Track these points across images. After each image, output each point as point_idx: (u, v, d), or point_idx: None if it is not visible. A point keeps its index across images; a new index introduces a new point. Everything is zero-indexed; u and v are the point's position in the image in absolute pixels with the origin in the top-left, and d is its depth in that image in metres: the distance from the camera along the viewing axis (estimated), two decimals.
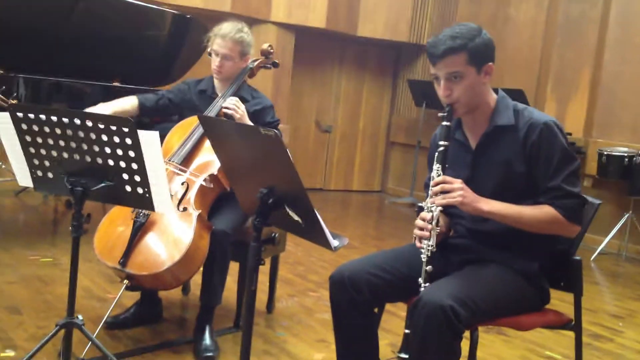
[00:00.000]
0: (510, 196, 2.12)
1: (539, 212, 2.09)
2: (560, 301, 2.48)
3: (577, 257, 2.24)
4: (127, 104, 3.19)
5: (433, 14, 8.21)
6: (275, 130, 1.87)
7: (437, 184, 2.10)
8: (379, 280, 2.17)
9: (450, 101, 2.14)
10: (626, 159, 5.71)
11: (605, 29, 6.42)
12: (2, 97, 3.26)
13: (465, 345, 2.11)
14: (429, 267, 2.09)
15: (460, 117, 2.25)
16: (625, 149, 5.85)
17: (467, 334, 2.15)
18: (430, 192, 2.13)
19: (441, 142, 2.16)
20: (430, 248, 2.10)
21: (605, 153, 5.85)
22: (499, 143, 2.16)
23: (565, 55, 6.75)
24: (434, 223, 2.10)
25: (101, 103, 3.09)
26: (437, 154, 2.17)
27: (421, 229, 2.12)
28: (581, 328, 2.24)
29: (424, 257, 2.10)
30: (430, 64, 2.19)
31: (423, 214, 2.14)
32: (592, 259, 5.72)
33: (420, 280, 2.09)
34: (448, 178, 2.10)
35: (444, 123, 2.17)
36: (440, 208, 2.11)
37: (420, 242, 2.12)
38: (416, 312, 1.95)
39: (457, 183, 2.08)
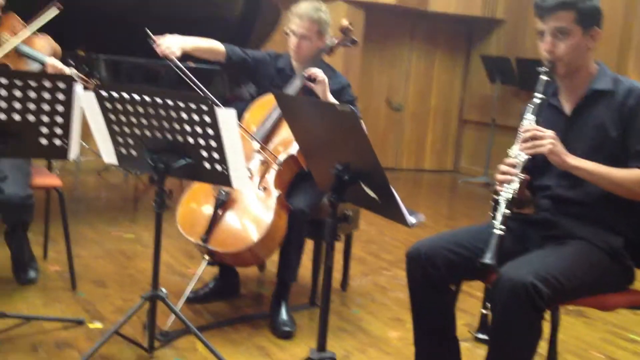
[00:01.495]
0: (602, 161, 2.06)
1: (628, 174, 2.03)
2: None
3: None
4: (216, 47, 3.17)
5: None
6: (351, 107, 1.87)
7: (527, 131, 2.06)
8: (456, 256, 2.14)
9: (553, 58, 2.12)
10: None
11: None
12: (84, 77, 3.37)
13: (545, 327, 2.07)
14: (507, 211, 2.00)
15: (558, 84, 2.22)
16: None
17: (547, 315, 2.11)
18: (519, 140, 2.08)
19: (537, 95, 2.13)
20: (511, 192, 2.03)
21: None
22: (595, 107, 2.13)
23: None
24: (520, 168, 2.05)
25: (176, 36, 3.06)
26: (531, 106, 2.13)
27: (504, 173, 2.07)
28: None
29: (501, 200, 2.02)
30: (536, 18, 2.15)
31: (509, 160, 2.08)
32: None
33: (496, 222, 1.99)
34: (540, 128, 2.07)
35: (544, 77, 2.13)
36: (527, 156, 2.06)
37: (502, 186, 2.05)
38: (497, 289, 1.92)
39: (550, 132, 2.05)
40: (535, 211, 2.27)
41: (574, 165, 2.04)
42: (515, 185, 2.04)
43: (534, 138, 2.04)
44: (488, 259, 1.93)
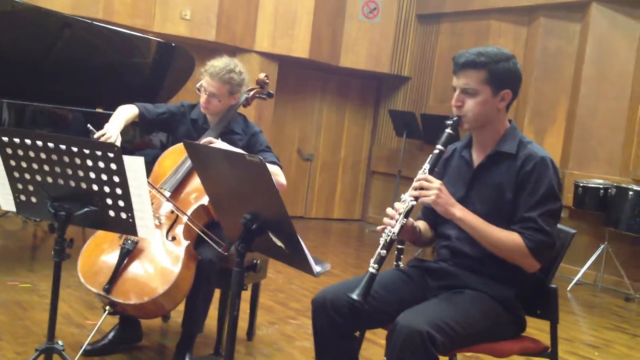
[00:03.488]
0: (499, 221, 2.16)
1: (505, 236, 2.13)
2: (537, 330, 2.53)
3: (553, 286, 2.28)
4: (130, 114, 3.17)
5: (414, 46, 8.38)
6: (260, 157, 1.90)
7: (418, 180, 2.15)
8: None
9: (459, 113, 2.21)
10: (602, 191, 5.82)
11: (581, 65, 6.59)
12: None
13: None
14: (383, 252, 2.09)
15: (472, 137, 2.31)
16: (601, 181, 5.97)
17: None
18: (411, 187, 2.16)
19: (438, 146, 2.20)
20: (390, 235, 2.11)
21: (582, 185, 5.97)
22: (497, 168, 2.22)
23: (542, 88, 6.91)
24: (403, 213, 2.12)
25: (109, 121, 3.07)
26: (431, 156, 2.21)
27: (390, 217, 2.15)
28: (557, 356, 2.28)
29: (381, 241, 2.11)
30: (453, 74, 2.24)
31: (396, 204, 2.17)
32: (568, 289, 5.79)
33: (372, 260, 2.08)
34: (430, 177, 2.16)
35: (448, 130, 2.21)
36: (413, 202, 2.13)
37: (384, 229, 2.14)
38: (393, 336, 1.98)
39: (437, 183, 2.14)
40: (435, 259, 2.37)
41: (458, 216, 2.14)
42: (397, 228, 2.12)
43: (421, 187, 2.14)
44: (355, 294, 2.01)
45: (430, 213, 2.38)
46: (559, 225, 2.37)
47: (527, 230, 2.11)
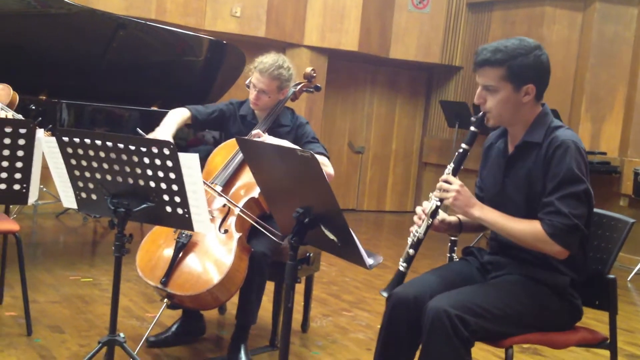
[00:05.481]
0: (536, 212, 2.12)
1: (525, 226, 2.09)
2: (596, 321, 2.48)
3: (611, 276, 2.23)
4: (181, 118, 3.23)
5: (465, 35, 8.25)
6: (311, 152, 1.92)
7: (441, 181, 2.19)
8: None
9: (483, 110, 2.20)
10: None
11: (639, 48, 6.38)
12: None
13: None
14: (411, 251, 2.20)
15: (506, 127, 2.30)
16: None
17: (501, 352, 2.16)
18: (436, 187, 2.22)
19: (463, 145, 2.22)
20: (417, 235, 2.21)
21: None
22: (527, 158, 2.19)
23: (599, 75, 6.71)
24: (428, 213, 2.20)
25: (159, 126, 3.14)
26: (456, 154, 2.23)
27: (419, 217, 2.23)
28: (616, 347, 2.23)
29: (409, 240, 2.22)
30: None
31: (424, 203, 2.24)
32: (628, 279, 5.63)
33: (401, 259, 2.20)
34: (451, 178, 2.18)
35: (472, 128, 2.22)
36: (437, 202, 2.20)
37: (413, 228, 2.23)
38: (423, 319, 1.99)
39: (456, 185, 2.16)
40: (489, 251, 2.35)
41: (477, 216, 2.16)
42: (423, 229, 2.20)
43: (440, 189, 2.17)
44: (384, 291, 2.16)
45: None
46: (615, 214, 2.32)
47: (546, 216, 2.06)
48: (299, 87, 3.40)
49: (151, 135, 3.03)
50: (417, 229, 2.21)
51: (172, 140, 3.04)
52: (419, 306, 2.11)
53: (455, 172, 2.21)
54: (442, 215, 2.30)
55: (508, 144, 2.29)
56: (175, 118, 3.22)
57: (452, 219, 2.36)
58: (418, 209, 2.24)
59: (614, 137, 6.52)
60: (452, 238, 2.64)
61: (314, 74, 3.46)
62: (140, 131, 3.02)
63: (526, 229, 2.09)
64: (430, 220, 2.21)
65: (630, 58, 6.45)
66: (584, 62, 6.90)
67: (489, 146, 2.38)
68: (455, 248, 2.63)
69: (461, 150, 2.22)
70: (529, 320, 2.10)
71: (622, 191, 6.26)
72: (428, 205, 2.21)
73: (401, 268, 2.17)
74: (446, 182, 2.18)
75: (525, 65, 2.11)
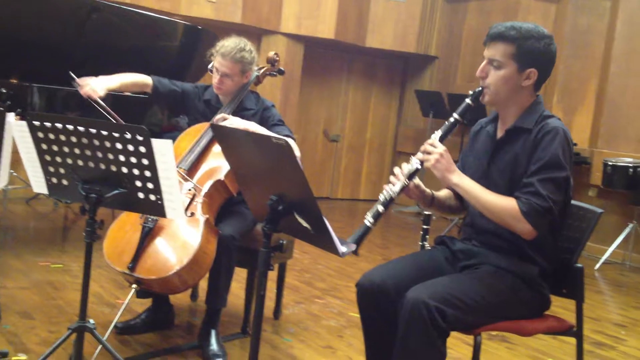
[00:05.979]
0: None
1: (500, 200, 2.12)
2: (563, 309, 2.53)
3: (579, 265, 2.28)
4: (142, 80, 3.24)
5: (441, 25, 8.29)
6: (286, 139, 1.92)
7: (426, 144, 2.19)
8: (407, 287, 2.18)
9: (482, 84, 2.21)
10: (631, 170, 5.75)
11: (611, 42, 6.47)
12: None
13: (468, 350, 2.15)
14: (380, 208, 2.16)
15: (497, 112, 2.32)
16: (630, 160, 5.88)
17: (470, 340, 2.20)
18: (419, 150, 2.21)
19: (455, 115, 2.22)
20: (390, 193, 2.18)
21: (610, 163, 5.89)
22: (515, 142, 2.22)
23: (571, 66, 6.80)
24: (406, 174, 2.19)
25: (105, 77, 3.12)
26: (446, 122, 2.24)
27: (395, 175, 2.21)
28: (582, 334, 2.28)
29: (381, 197, 2.18)
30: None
31: (403, 165, 2.22)
32: (596, 268, 5.75)
33: (369, 214, 2.16)
34: (437, 142, 2.18)
35: (467, 100, 2.23)
36: (418, 165, 2.18)
37: (387, 185, 2.21)
38: (402, 309, 2.01)
39: (440, 148, 2.16)
40: (461, 238, 2.38)
41: (454, 182, 2.17)
42: (397, 188, 2.18)
43: (424, 151, 2.17)
44: (349, 243, 2.07)
45: None
46: (584, 204, 2.36)
47: (523, 195, 2.09)
48: (262, 71, 3.41)
49: (87, 81, 2.99)
50: (391, 187, 2.19)
51: (102, 94, 3.03)
52: (386, 292, 2.16)
53: (441, 139, 2.21)
54: (418, 181, 2.30)
55: (498, 129, 2.31)
56: (128, 77, 3.21)
57: (427, 190, 2.37)
58: (396, 169, 2.23)
59: (584, 129, 6.62)
60: (424, 227, 2.67)
61: (277, 58, 3.49)
62: (73, 74, 2.98)
63: (501, 202, 2.12)
64: (407, 181, 2.19)
65: (603, 50, 6.54)
66: (558, 54, 6.92)
67: (478, 131, 2.41)
68: (427, 237, 2.66)
69: (452, 120, 2.23)
70: (502, 310, 2.14)
71: (591, 182, 6.38)
72: (407, 166, 2.20)
73: (367, 223, 2.14)
74: (431, 145, 2.18)
75: (535, 49, 2.15)
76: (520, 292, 2.17)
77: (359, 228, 2.14)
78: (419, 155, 2.19)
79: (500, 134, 2.29)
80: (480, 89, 2.22)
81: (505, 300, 2.13)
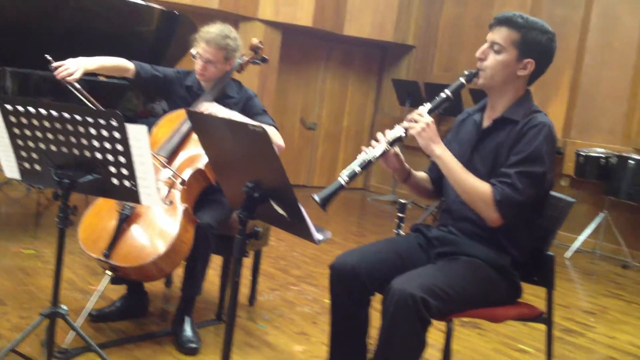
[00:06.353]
0: None
1: (478, 184, 2.15)
2: (534, 296, 2.57)
3: (550, 253, 2.32)
4: (124, 64, 3.16)
5: (418, 14, 8.31)
6: (263, 125, 1.92)
7: (413, 112, 2.21)
8: (377, 269, 2.22)
9: (480, 66, 2.23)
10: (603, 160, 5.84)
11: (586, 33, 6.55)
12: None
13: (440, 337, 2.18)
14: (357, 168, 2.18)
15: (486, 102, 2.34)
16: (602, 150, 5.98)
17: (442, 326, 2.23)
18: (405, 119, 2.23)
19: (446, 91, 2.23)
20: (369, 157, 2.20)
21: (583, 154, 5.98)
22: (500, 133, 2.24)
23: None
24: (389, 140, 2.21)
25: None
26: (436, 98, 2.24)
27: (377, 140, 2.23)
28: (552, 321, 2.33)
29: (359, 157, 2.20)
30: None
31: (387, 131, 2.24)
32: (567, 256, 5.84)
33: (345, 171, 2.18)
34: (424, 112, 2.20)
35: (461, 79, 2.25)
36: (402, 133, 2.20)
37: (367, 148, 2.23)
38: (387, 300, 2.03)
39: (427, 119, 2.18)
40: (437, 225, 2.41)
41: (437, 154, 2.19)
42: (378, 151, 2.20)
43: (411, 119, 2.19)
44: (317, 196, 2.14)
45: (435, 169, 2.41)
46: (557, 194, 2.40)
47: (499, 184, 2.13)
48: (245, 58, 3.39)
49: (64, 62, 2.91)
50: (371, 150, 2.20)
51: (78, 75, 2.91)
52: (358, 276, 2.19)
53: (430, 112, 2.22)
54: (398, 151, 2.31)
55: (484, 119, 2.33)
56: (109, 60, 3.13)
57: (405, 164, 2.38)
58: (379, 134, 2.24)
59: (558, 119, 6.69)
60: (400, 215, 2.69)
61: (261, 46, 3.45)
62: (49, 57, 2.91)
63: (476, 184, 2.15)
64: (389, 147, 2.21)
65: (577, 42, 6.61)
66: None
67: (464, 119, 2.43)
68: (402, 225, 2.68)
69: (443, 96, 2.24)
70: (478, 299, 2.17)
71: (564, 172, 6.47)
72: (391, 132, 2.21)
73: (342, 181, 2.15)
74: (418, 114, 2.19)
75: (538, 40, 2.18)
76: (494, 281, 2.20)
77: (331, 184, 2.15)
78: (404, 123, 2.20)
79: (487, 123, 2.31)
80: (476, 70, 2.24)
81: (481, 289, 2.16)
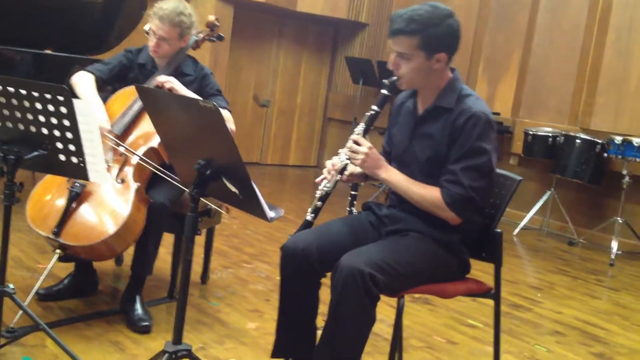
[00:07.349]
0: (437, 173, 2.22)
1: (426, 192, 2.22)
2: (483, 272, 2.64)
3: (498, 230, 2.37)
4: (93, 82, 3.06)
5: None
6: (215, 102, 1.90)
7: (351, 141, 2.27)
8: (328, 251, 2.24)
9: (396, 75, 2.26)
10: (550, 139, 5.98)
11: (535, 14, 6.66)
12: None
13: (391, 313, 2.21)
14: (319, 203, 2.31)
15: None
16: (550, 129, 6.12)
17: (393, 302, 2.27)
18: (345, 146, 2.30)
19: (373, 107, 2.32)
20: (326, 189, 2.31)
21: (531, 133, 6.11)
22: (436, 121, 2.26)
23: (497, 38, 6.97)
24: (338, 169, 2.31)
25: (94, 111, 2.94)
26: (367, 115, 2.32)
27: (328, 171, 2.32)
28: (500, 297, 2.39)
29: (317, 194, 2.32)
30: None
31: (334, 159, 2.33)
32: (515, 233, 5.99)
33: (309, 210, 2.33)
34: (361, 140, 2.26)
35: (383, 92, 2.30)
36: (347, 161, 2.30)
37: (321, 182, 2.33)
38: (335, 276, 2.06)
39: (365, 147, 2.24)
40: (387, 205, 2.44)
41: (382, 177, 2.28)
42: (332, 183, 2.31)
43: (351, 150, 2.26)
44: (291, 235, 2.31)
45: (385, 154, 2.45)
46: (505, 172, 2.45)
47: (447, 184, 2.18)
48: (201, 35, 3.32)
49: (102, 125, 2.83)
50: (326, 183, 2.30)
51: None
52: (310, 256, 2.22)
53: (365, 132, 2.29)
54: (350, 168, 2.37)
55: (418, 105, 2.36)
56: (90, 85, 3.04)
57: (358, 170, 2.42)
58: (328, 163, 2.33)
59: (507, 99, 6.83)
60: (352, 193, 2.72)
61: (217, 23, 3.39)
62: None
63: (426, 194, 2.21)
64: (340, 176, 2.31)
65: (527, 22, 6.72)
66: (483, 25, 7.13)
67: (400, 105, 2.45)
68: (355, 202, 2.70)
69: (372, 112, 2.31)
70: (427, 275, 2.21)
71: (512, 150, 6.62)
72: (338, 161, 2.30)
73: (309, 217, 2.30)
74: (356, 143, 2.25)
75: (438, 35, 2.17)
76: (443, 257, 2.25)
77: (302, 224, 2.32)
78: (347, 151, 2.28)
79: (420, 109, 2.34)
80: (394, 78, 2.27)
81: (431, 265, 2.21)
